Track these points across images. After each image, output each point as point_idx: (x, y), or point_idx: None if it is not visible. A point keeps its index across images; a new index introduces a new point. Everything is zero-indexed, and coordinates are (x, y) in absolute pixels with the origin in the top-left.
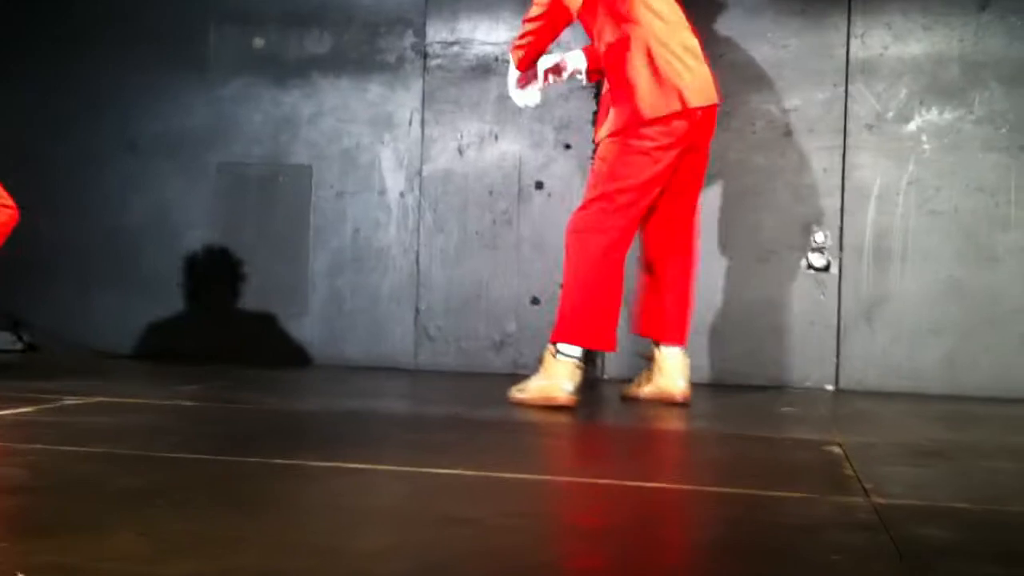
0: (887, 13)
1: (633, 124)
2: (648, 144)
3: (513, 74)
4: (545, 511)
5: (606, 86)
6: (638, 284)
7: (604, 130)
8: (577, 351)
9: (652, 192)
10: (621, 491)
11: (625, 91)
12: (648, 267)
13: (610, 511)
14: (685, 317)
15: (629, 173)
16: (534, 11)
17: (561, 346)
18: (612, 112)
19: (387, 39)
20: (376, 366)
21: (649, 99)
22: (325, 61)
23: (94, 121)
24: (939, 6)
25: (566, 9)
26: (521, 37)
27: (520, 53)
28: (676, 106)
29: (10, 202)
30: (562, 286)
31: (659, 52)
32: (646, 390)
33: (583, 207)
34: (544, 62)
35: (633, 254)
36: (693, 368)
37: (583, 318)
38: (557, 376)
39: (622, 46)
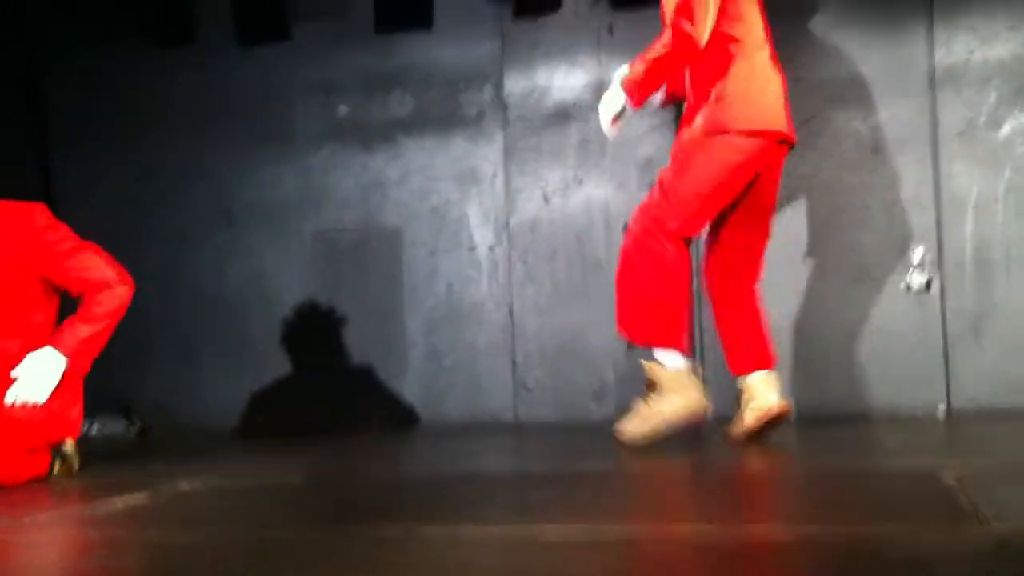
0: (969, 17)
1: (729, 130)
2: (736, 155)
3: (613, 107)
4: (649, 566)
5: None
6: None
7: (693, 131)
8: (680, 359)
9: (724, 204)
10: (728, 538)
11: (725, 99)
12: (723, 300)
13: (718, 562)
14: (766, 340)
15: (712, 176)
16: (661, 50)
17: (661, 356)
18: (704, 116)
19: (467, 94)
20: (477, 421)
21: (748, 111)
22: (408, 122)
23: (189, 196)
24: (1023, 6)
25: (695, 44)
26: (646, 74)
27: (638, 91)
28: (768, 125)
29: (127, 277)
30: (623, 281)
31: (759, 74)
32: (746, 422)
33: (656, 205)
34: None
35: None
36: (794, 400)
37: (656, 317)
38: (679, 390)
39: (728, 58)
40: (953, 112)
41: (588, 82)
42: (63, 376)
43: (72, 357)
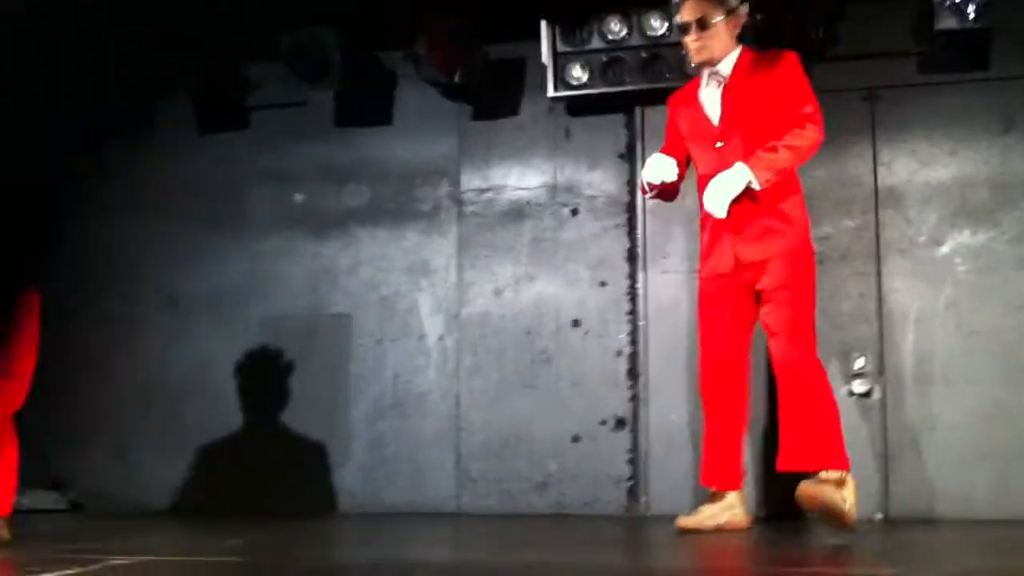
0: (912, 141)
1: (811, 250)
2: None
3: (736, 188)
4: None
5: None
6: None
7: (780, 246)
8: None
9: None
10: None
11: (800, 221)
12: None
13: None
14: None
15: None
16: (803, 137)
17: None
18: (785, 232)
19: (423, 189)
20: (418, 511)
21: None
22: (363, 213)
23: (135, 279)
24: (963, 131)
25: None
26: (787, 160)
27: (773, 174)
28: None
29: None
30: (817, 414)
31: None
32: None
33: (806, 336)
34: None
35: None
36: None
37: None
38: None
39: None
40: (895, 230)
41: (543, 183)
42: None
43: None
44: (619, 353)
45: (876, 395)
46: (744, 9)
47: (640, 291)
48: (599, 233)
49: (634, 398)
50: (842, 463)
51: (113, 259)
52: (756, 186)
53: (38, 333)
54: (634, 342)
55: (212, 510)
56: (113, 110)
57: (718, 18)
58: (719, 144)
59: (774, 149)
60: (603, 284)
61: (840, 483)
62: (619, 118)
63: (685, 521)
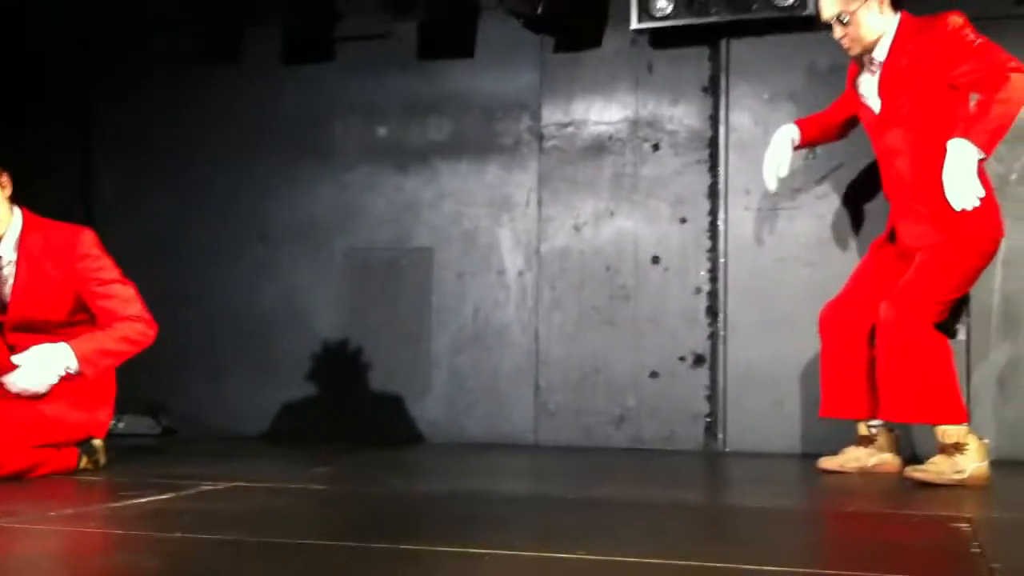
0: None
1: (984, 233)
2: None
3: (975, 169)
4: None
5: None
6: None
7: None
8: None
9: None
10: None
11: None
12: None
13: None
14: None
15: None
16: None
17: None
18: (947, 220)
19: (504, 123)
20: (497, 443)
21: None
22: (445, 147)
23: (226, 212)
24: None
25: None
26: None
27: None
28: None
29: (152, 324)
30: (909, 367)
31: None
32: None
33: (923, 304)
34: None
35: None
36: (819, 439)
37: None
38: (982, 457)
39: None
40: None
41: (625, 117)
42: (78, 379)
43: (82, 362)
44: (698, 290)
45: (961, 336)
46: None
47: (721, 228)
48: (680, 169)
49: (713, 335)
50: (946, 416)
51: (203, 192)
52: (984, 156)
53: (111, 267)
54: (714, 279)
55: (301, 437)
56: (201, 40)
57: (855, 7)
58: (884, 135)
59: (986, 111)
60: (683, 220)
61: (957, 448)
62: (703, 51)
63: (827, 462)
